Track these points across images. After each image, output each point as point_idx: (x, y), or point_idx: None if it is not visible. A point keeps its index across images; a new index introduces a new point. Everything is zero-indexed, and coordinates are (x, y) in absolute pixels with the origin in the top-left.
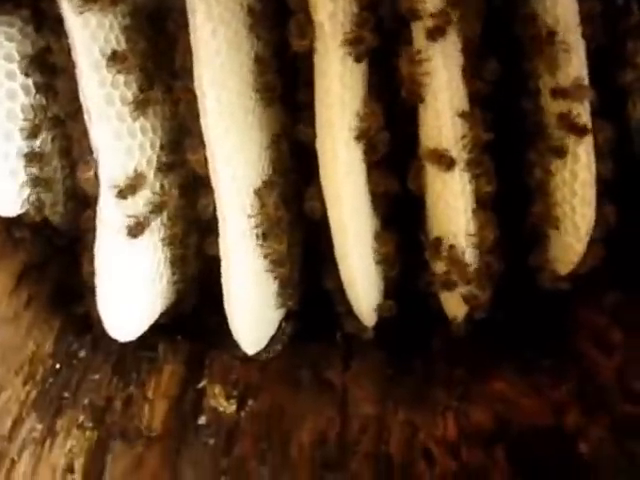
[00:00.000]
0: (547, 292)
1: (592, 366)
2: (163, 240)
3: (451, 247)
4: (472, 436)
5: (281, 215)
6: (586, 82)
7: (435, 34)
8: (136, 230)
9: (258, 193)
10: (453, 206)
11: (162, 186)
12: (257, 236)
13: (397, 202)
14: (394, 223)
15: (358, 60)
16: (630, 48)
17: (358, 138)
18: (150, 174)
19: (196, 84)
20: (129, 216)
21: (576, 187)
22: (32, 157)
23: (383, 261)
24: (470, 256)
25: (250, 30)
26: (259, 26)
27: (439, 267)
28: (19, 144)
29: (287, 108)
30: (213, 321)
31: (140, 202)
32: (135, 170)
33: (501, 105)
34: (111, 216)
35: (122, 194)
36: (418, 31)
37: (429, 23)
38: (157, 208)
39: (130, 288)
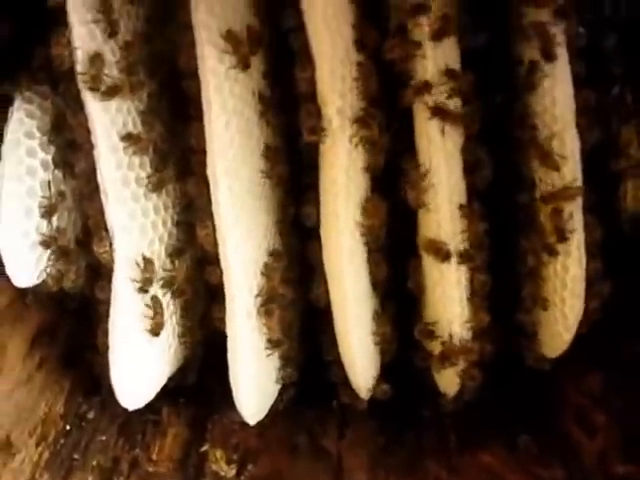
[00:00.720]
0: (533, 370)
1: (576, 446)
2: (173, 314)
3: (447, 333)
4: None
5: (285, 294)
6: (579, 183)
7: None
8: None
9: (265, 273)
10: (449, 295)
11: (172, 262)
12: (262, 314)
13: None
14: (391, 300)
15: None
16: (624, 137)
17: (363, 235)
18: (162, 251)
19: (209, 172)
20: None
21: (567, 280)
22: (50, 233)
23: (381, 341)
24: (464, 340)
25: (261, 117)
26: (269, 113)
27: (433, 347)
28: (38, 220)
29: (291, 190)
30: (214, 385)
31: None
32: (149, 251)
33: (497, 196)
34: (126, 295)
35: (142, 289)
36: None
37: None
38: (168, 284)
39: (142, 360)
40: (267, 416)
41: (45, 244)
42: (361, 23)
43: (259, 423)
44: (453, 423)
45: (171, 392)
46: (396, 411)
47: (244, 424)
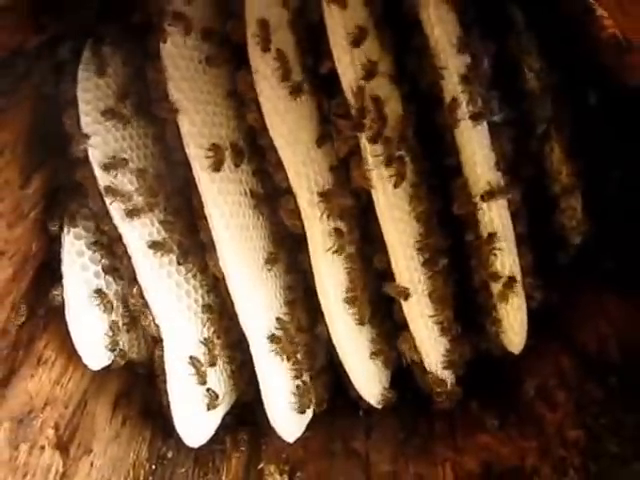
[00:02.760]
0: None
1: (541, 419)
2: (221, 373)
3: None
4: (464, 479)
5: (299, 340)
6: (519, 277)
7: None
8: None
9: (279, 326)
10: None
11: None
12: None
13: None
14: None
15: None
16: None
17: (348, 302)
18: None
19: (221, 264)
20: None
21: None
22: (114, 328)
23: (381, 358)
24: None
25: (254, 209)
26: (261, 205)
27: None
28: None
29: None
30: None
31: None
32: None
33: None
34: (177, 360)
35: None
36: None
37: None
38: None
39: (199, 408)
40: (309, 430)
41: (109, 335)
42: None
43: (303, 437)
44: (456, 412)
45: (231, 423)
46: (410, 409)
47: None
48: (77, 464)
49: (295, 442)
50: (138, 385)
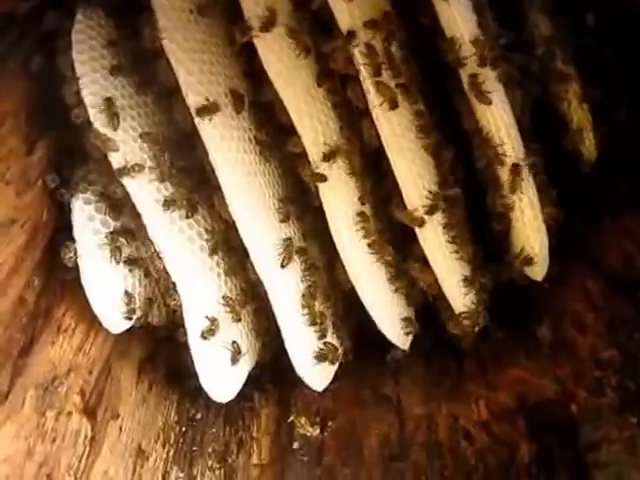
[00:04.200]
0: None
1: (572, 344)
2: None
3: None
4: (499, 415)
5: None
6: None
7: None
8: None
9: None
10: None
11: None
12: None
13: None
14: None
15: None
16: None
17: (365, 237)
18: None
19: (230, 210)
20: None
21: (525, 220)
22: (132, 290)
23: (403, 293)
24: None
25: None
26: (267, 151)
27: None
28: (121, 276)
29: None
30: (291, 366)
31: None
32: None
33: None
34: (196, 317)
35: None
36: None
37: None
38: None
39: (224, 363)
40: (337, 381)
41: (128, 295)
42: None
43: (332, 388)
44: (485, 349)
45: (259, 380)
46: (437, 351)
47: (320, 392)
48: (105, 428)
49: (324, 394)
50: (162, 350)
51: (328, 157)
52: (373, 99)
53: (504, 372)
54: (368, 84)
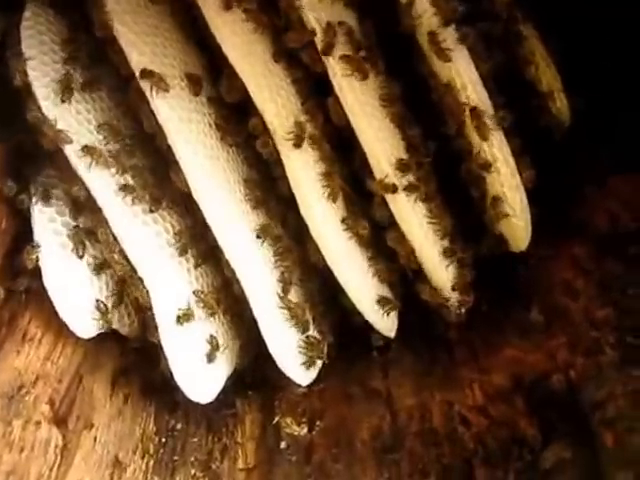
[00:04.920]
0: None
1: (566, 311)
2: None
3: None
4: (495, 396)
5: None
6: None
7: None
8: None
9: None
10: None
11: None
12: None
13: None
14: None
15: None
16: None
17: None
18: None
19: (195, 196)
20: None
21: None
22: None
23: (382, 276)
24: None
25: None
26: (228, 136)
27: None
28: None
29: None
30: (272, 370)
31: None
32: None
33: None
34: (168, 314)
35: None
36: None
37: None
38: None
39: (200, 362)
40: (323, 381)
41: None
42: None
43: (317, 387)
44: (475, 332)
45: (240, 386)
46: (425, 340)
47: (305, 393)
48: (78, 438)
49: (310, 394)
50: (136, 363)
51: (293, 133)
52: (335, 71)
53: (496, 354)
54: (330, 58)
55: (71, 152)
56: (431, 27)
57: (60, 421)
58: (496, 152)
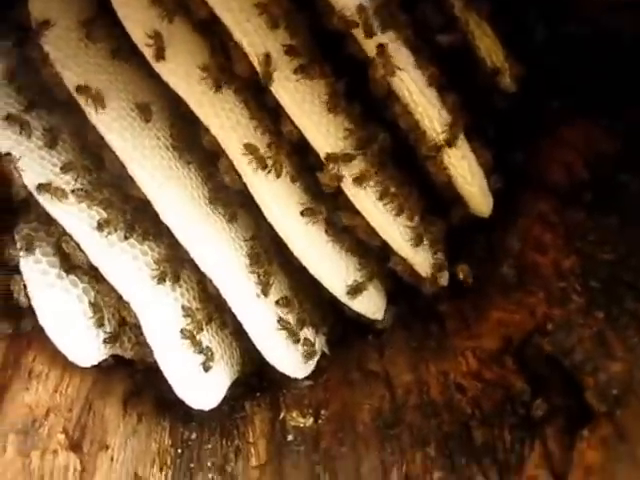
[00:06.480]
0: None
1: (536, 266)
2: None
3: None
4: (488, 360)
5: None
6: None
7: None
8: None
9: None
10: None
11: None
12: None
13: None
14: None
15: None
16: None
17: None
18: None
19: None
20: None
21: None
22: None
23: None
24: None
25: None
26: (185, 154)
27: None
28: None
29: None
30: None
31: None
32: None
33: None
34: (158, 332)
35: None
36: None
37: None
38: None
39: (198, 378)
40: (326, 372)
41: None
42: None
43: (321, 379)
44: (462, 301)
45: (248, 390)
46: (417, 317)
47: (310, 386)
48: (94, 460)
49: (314, 387)
50: (146, 382)
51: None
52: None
53: (485, 319)
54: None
55: (36, 194)
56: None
57: (75, 446)
58: (437, 126)
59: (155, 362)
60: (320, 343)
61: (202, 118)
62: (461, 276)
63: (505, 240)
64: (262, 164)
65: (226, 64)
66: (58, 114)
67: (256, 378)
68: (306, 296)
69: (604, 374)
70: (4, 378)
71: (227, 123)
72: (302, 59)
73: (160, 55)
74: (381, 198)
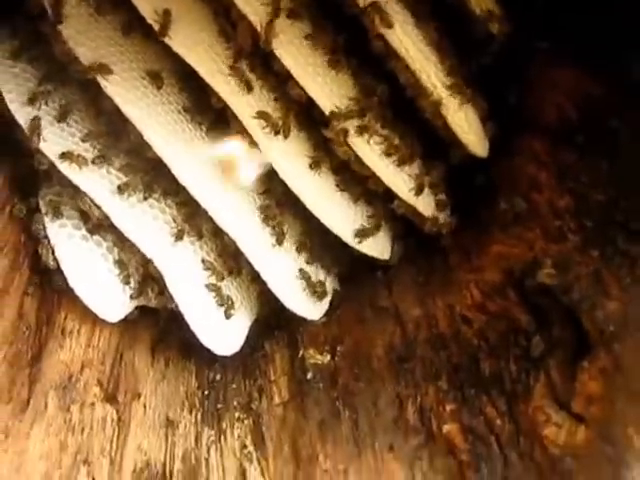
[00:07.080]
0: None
1: (535, 204)
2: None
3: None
4: (490, 292)
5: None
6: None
7: None
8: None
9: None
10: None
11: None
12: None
13: None
14: None
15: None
16: None
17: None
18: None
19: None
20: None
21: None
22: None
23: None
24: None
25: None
26: (197, 116)
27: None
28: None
29: None
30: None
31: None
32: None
33: None
34: (181, 285)
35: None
36: None
37: None
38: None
39: (221, 325)
40: (337, 310)
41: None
42: None
43: (335, 315)
44: (463, 235)
45: (266, 329)
46: (423, 253)
47: (324, 323)
48: (129, 409)
49: (328, 323)
50: (171, 328)
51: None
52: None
53: (486, 252)
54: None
55: (58, 163)
56: None
57: (111, 398)
58: (435, 81)
59: (178, 308)
60: (332, 283)
61: (213, 86)
62: None
63: (502, 178)
64: (274, 129)
65: (231, 32)
66: (74, 86)
67: (273, 317)
68: (317, 240)
69: (601, 312)
70: (39, 338)
71: (237, 89)
72: (303, 21)
73: (168, 30)
74: (386, 151)
